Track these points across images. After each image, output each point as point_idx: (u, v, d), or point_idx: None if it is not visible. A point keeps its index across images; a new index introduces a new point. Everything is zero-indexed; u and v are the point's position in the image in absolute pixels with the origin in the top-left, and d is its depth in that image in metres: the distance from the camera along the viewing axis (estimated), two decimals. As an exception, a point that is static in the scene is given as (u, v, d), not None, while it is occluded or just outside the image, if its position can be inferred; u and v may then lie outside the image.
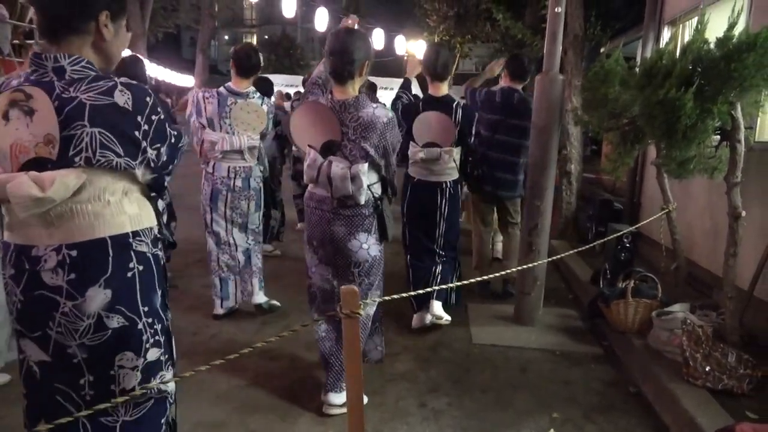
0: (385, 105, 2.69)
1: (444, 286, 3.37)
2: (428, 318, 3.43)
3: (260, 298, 3.68)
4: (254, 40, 33.91)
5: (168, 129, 1.48)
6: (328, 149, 2.37)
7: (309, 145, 2.42)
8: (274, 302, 3.77)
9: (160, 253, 1.55)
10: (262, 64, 3.46)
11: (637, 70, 3.35)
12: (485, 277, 2.47)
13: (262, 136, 3.52)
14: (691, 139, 2.81)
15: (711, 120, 2.75)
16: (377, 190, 2.48)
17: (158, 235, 1.55)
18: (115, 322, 1.40)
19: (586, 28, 5.92)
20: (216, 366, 1.58)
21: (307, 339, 3.21)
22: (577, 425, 2.53)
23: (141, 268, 1.45)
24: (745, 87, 2.60)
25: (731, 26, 2.72)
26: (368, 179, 2.37)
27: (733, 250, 2.87)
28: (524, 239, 3.66)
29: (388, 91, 8.24)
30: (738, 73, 2.55)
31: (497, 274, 2.73)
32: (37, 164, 1.32)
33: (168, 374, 1.56)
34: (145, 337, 1.46)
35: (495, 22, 8.92)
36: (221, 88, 3.42)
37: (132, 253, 1.43)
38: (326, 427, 2.45)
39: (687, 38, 3.04)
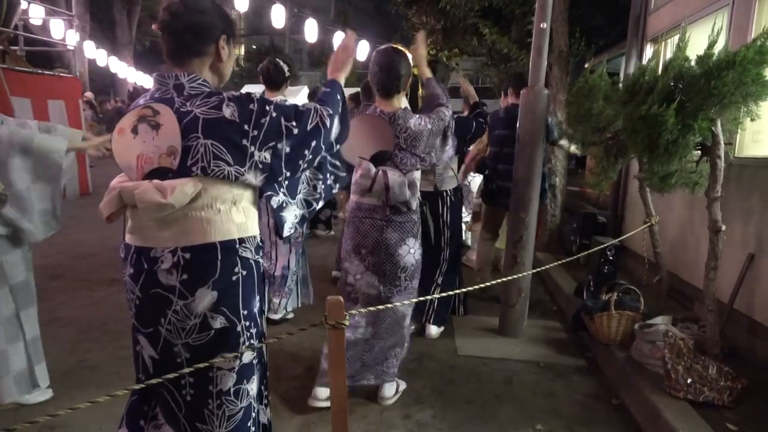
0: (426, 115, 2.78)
1: (445, 294, 3.41)
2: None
3: (278, 315, 3.71)
4: (242, 50, 33.91)
5: (284, 124, 1.52)
6: (378, 159, 2.49)
7: (360, 157, 2.51)
8: (290, 315, 3.82)
9: (261, 260, 1.65)
10: (288, 74, 3.61)
11: (621, 85, 3.42)
12: (478, 286, 2.53)
13: None
14: (672, 154, 2.86)
15: (692, 136, 2.80)
16: (421, 196, 2.67)
17: (260, 244, 1.64)
18: (218, 322, 1.51)
19: (571, 44, 6.01)
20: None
21: (291, 350, 3.19)
22: (561, 437, 2.54)
23: (245, 273, 1.55)
24: (724, 104, 2.66)
25: (711, 44, 2.78)
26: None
27: (714, 263, 2.91)
28: (509, 251, 3.68)
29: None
30: (718, 90, 2.61)
31: (493, 282, 2.79)
32: (159, 173, 1.46)
33: (255, 378, 1.66)
34: (242, 339, 1.56)
35: (482, 36, 8.99)
36: None
37: (238, 258, 1.54)
38: (310, 439, 2.43)
39: (669, 55, 3.11)
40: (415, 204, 2.53)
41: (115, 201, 1.51)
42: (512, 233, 3.64)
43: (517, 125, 3.61)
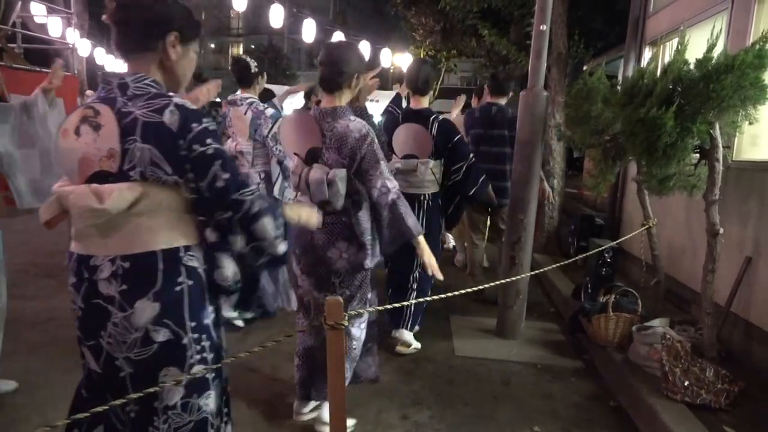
0: (371, 116, 2.68)
1: (420, 298, 3.32)
2: (396, 348, 3.41)
3: (229, 312, 3.59)
4: (240, 50, 33.91)
5: (214, 169, 1.39)
6: (312, 156, 2.38)
7: (295, 153, 2.44)
8: (238, 323, 3.64)
9: None
10: (254, 70, 3.54)
11: (619, 88, 3.42)
12: (472, 289, 2.48)
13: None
14: (671, 156, 2.86)
15: (690, 139, 2.81)
16: (355, 197, 2.39)
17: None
18: (161, 335, 1.42)
19: (570, 46, 6.03)
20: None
21: (289, 350, 3.18)
22: (558, 439, 2.55)
23: (191, 282, 1.46)
24: (723, 107, 2.66)
25: (710, 48, 2.79)
26: (346, 186, 2.30)
27: (711, 266, 2.92)
28: (507, 253, 3.69)
29: (374, 104, 8.27)
30: (716, 93, 2.62)
31: (487, 285, 2.77)
32: (100, 177, 1.37)
33: (213, 393, 1.56)
34: (189, 353, 1.47)
35: (480, 37, 9.01)
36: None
37: (182, 268, 1.44)
38: (307, 440, 2.43)
39: (668, 58, 3.12)
40: (339, 205, 2.31)
41: (53, 206, 1.45)
42: (510, 234, 3.64)
43: (517, 127, 3.61)
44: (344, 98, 2.38)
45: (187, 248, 1.45)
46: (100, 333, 1.42)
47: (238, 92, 3.60)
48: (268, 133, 3.43)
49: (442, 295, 2.27)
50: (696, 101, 2.72)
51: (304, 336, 2.58)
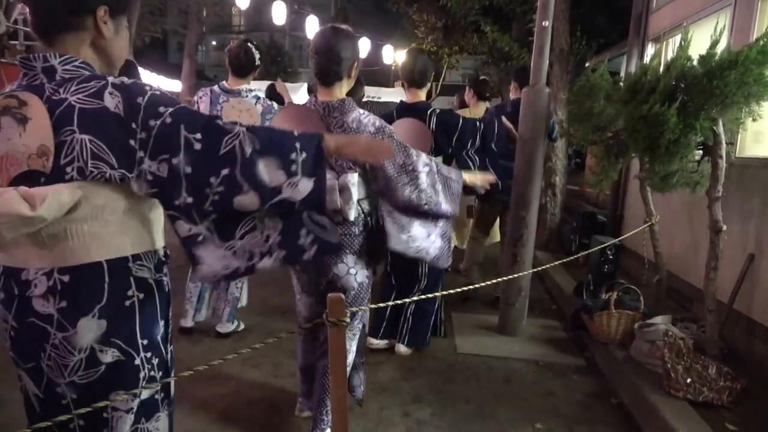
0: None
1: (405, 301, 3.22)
2: (396, 350, 3.33)
3: (224, 328, 3.41)
4: (241, 47, 33.87)
5: (183, 134, 1.21)
6: None
7: None
8: (241, 326, 3.53)
9: (165, 279, 1.39)
10: (257, 63, 3.33)
11: (622, 85, 3.41)
12: (472, 287, 2.46)
13: None
14: (674, 153, 2.86)
15: (693, 135, 2.80)
16: (366, 205, 2.17)
17: (163, 259, 1.38)
18: (110, 356, 1.26)
19: (572, 43, 6.01)
20: (197, 373, 1.55)
21: (290, 347, 3.18)
22: (560, 436, 2.54)
23: (141, 296, 1.30)
24: (726, 104, 2.65)
25: (713, 44, 2.78)
26: (358, 192, 2.10)
27: (714, 263, 2.91)
28: (509, 250, 3.68)
29: (375, 101, 8.27)
30: (720, 90, 2.61)
31: (485, 283, 2.74)
32: (30, 178, 1.18)
33: (163, 415, 1.44)
34: (142, 374, 1.32)
35: (482, 34, 8.98)
36: (215, 87, 3.35)
37: (131, 279, 1.29)
38: (309, 437, 2.43)
39: (670, 55, 3.11)
40: (352, 214, 2.08)
41: None
42: (512, 232, 3.63)
43: (519, 123, 3.60)
44: (344, 90, 2.15)
45: (136, 257, 1.29)
46: (39, 355, 1.25)
47: (230, 81, 3.33)
48: None
49: (437, 294, 2.25)
50: (699, 98, 2.71)
51: (305, 351, 2.44)
